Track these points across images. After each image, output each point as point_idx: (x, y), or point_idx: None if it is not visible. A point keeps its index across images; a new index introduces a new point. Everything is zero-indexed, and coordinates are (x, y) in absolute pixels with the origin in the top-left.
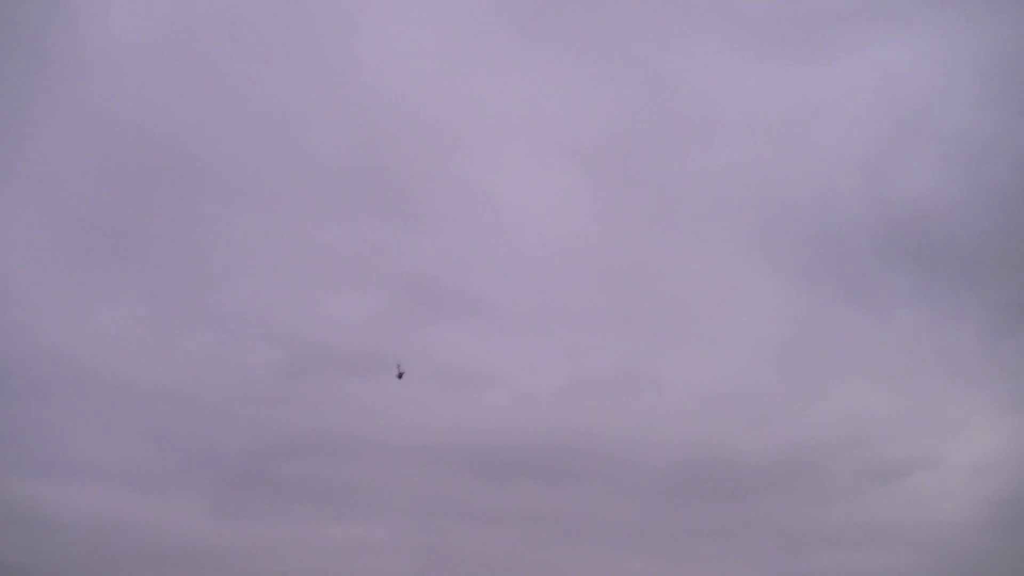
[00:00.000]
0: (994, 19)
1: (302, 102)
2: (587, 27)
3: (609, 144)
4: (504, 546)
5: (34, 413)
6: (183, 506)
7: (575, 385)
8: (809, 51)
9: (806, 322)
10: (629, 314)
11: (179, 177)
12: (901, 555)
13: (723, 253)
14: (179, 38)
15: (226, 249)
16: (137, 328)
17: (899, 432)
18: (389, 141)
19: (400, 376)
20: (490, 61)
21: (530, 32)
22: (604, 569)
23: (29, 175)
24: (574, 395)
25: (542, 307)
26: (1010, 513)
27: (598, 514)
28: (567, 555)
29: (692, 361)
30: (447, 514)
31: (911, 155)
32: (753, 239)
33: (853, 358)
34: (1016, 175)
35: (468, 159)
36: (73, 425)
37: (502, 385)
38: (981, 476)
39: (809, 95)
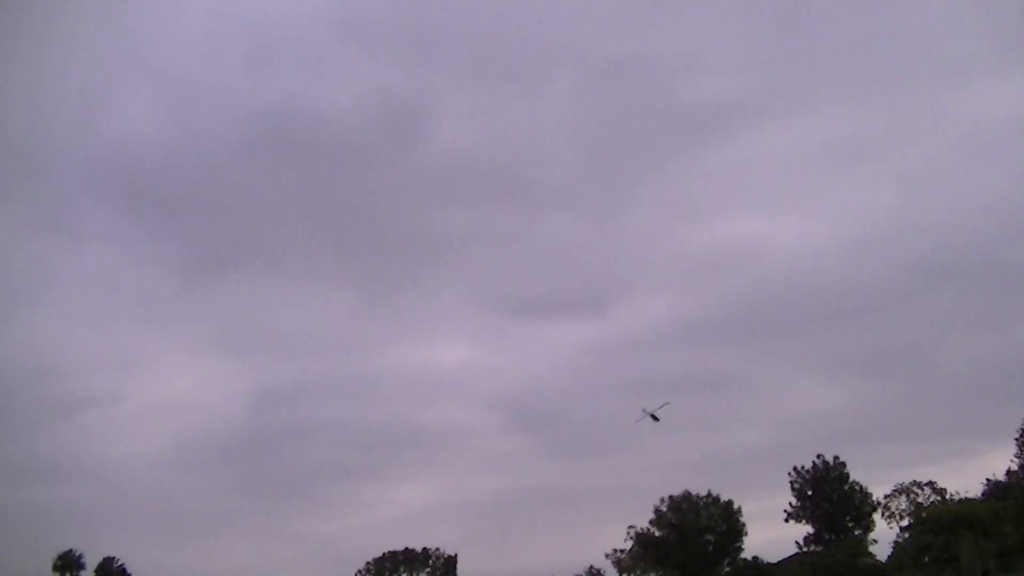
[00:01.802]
0: None
1: None
2: None
3: None
4: None
5: None
6: None
7: None
8: None
9: None
10: None
11: None
12: (84, 489)
13: None
14: None
15: None
16: None
17: (88, 367)
18: None
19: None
20: None
21: None
22: None
23: None
24: None
25: None
26: (192, 452)
27: None
28: None
29: None
30: None
31: (129, 92)
32: None
33: (47, 290)
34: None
35: None
36: None
37: None
38: (167, 414)
39: None
